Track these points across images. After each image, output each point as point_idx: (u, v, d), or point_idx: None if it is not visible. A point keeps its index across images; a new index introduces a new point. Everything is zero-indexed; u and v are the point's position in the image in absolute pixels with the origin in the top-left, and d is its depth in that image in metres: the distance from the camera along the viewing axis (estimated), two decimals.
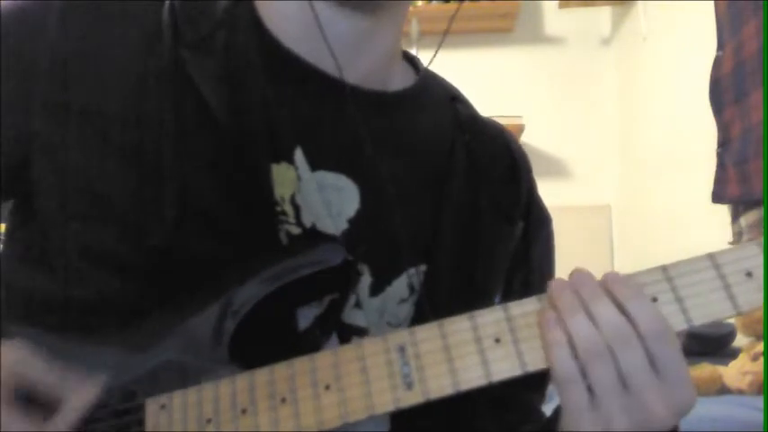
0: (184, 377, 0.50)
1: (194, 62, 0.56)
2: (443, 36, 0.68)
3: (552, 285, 0.46)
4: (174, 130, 0.54)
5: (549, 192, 2.89)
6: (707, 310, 0.45)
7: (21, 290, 0.56)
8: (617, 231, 2.94)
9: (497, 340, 0.46)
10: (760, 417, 1.21)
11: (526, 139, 2.99)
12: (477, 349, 0.46)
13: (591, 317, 0.44)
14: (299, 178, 0.57)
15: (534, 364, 0.46)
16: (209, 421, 0.47)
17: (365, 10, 0.59)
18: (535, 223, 0.71)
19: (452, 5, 2.90)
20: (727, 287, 0.45)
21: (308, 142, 0.58)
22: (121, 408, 0.49)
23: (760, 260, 0.45)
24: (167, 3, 0.58)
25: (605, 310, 0.44)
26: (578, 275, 0.46)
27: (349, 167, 0.59)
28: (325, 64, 0.60)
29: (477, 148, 0.67)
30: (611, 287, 0.45)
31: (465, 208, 0.64)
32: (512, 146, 0.72)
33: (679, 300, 0.45)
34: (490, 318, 0.47)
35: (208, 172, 0.55)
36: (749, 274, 0.45)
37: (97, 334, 0.52)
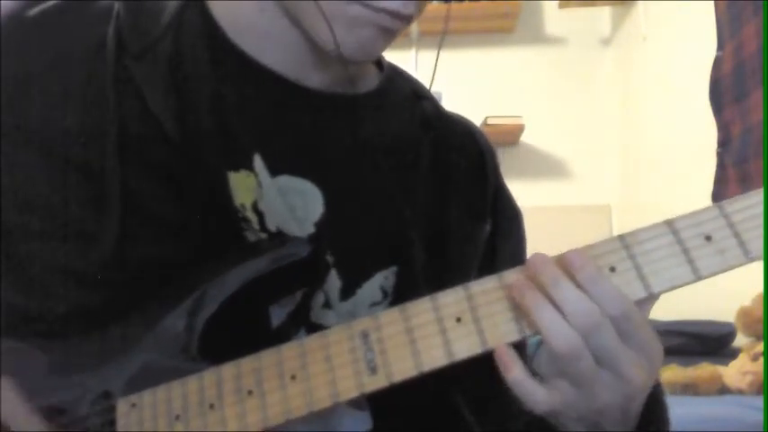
0: (159, 376, 0.50)
1: (140, 72, 0.55)
2: (442, 37, 0.67)
3: (513, 286, 0.45)
4: (118, 143, 0.54)
5: (549, 192, 2.87)
6: (666, 276, 0.44)
7: (4, 302, 0.56)
8: (617, 231, 2.92)
9: (458, 319, 0.46)
10: (760, 417, 1.21)
11: (526, 139, 3.00)
12: (439, 330, 0.46)
13: (557, 305, 0.44)
14: (259, 185, 0.56)
15: (495, 340, 0.45)
16: (177, 418, 0.48)
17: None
18: (504, 219, 0.70)
19: (452, 5, 2.89)
20: (685, 252, 0.44)
21: (268, 147, 0.57)
22: (95, 410, 0.50)
23: (719, 223, 0.44)
24: (114, 12, 0.58)
25: (571, 296, 0.44)
26: (535, 261, 0.45)
27: (311, 171, 0.59)
28: (285, 67, 0.59)
29: (443, 145, 0.67)
30: (571, 270, 0.44)
31: (432, 207, 0.63)
32: (479, 142, 0.71)
33: (637, 267, 0.45)
34: (451, 298, 0.47)
35: (159, 182, 0.55)
36: (708, 238, 0.44)
37: (75, 342, 0.53)
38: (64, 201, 0.54)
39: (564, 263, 0.45)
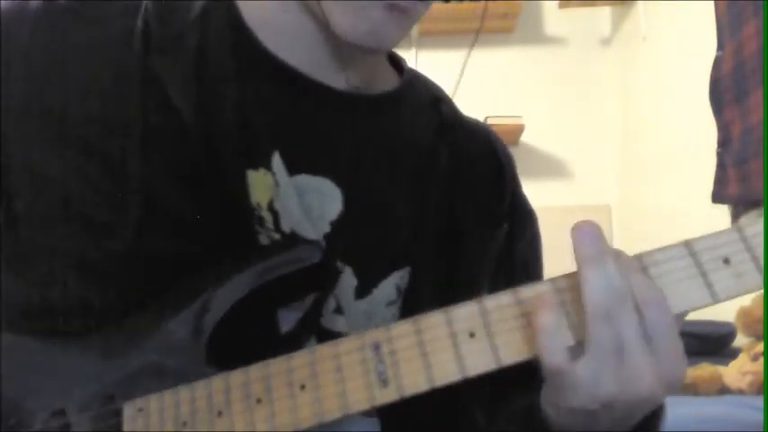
0: (164, 380, 0.49)
1: (163, 65, 0.56)
2: (475, 35, 0.67)
3: (576, 228, 0.44)
4: (140, 134, 0.54)
5: (549, 192, 2.87)
6: (683, 298, 0.44)
7: (5, 294, 0.56)
8: (617, 231, 2.94)
9: (472, 335, 0.45)
10: (760, 417, 1.21)
11: (526, 139, 3.00)
12: (452, 344, 0.45)
13: (604, 271, 0.43)
14: (276, 184, 0.56)
15: (510, 357, 0.45)
16: (185, 424, 0.48)
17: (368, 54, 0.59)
18: (518, 223, 0.70)
19: (452, 5, 2.89)
20: (703, 275, 0.44)
21: (287, 146, 0.57)
22: (100, 412, 0.50)
23: (737, 246, 0.44)
24: (142, 5, 0.58)
25: (614, 271, 0.43)
26: (595, 227, 0.45)
27: (331, 170, 0.59)
28: (307, 66, 0.59)
29: (460, 149, 0.67)
30: (615, 256, 0.44)
31: (447, 210, 0.64)
32: (497, 147, 0.71)
33: None
34: (465, 312, 0.46)
35: (178, 177, 0.54)
36: (726, 261, 0.44)
37: (78, 338, 0.53)
38: (79, 189, 0.54)
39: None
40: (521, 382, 0.58)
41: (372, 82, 0.64)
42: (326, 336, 0.56)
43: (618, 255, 0.44)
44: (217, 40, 0.58)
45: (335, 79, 0.60)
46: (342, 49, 0.58)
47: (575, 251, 0.44)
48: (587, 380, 0.43)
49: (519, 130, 2.88)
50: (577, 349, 0.44)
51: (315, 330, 0.57)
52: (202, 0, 0.60)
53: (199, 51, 0.57)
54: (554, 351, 0.43)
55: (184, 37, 0.57)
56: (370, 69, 0.64)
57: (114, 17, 0.58)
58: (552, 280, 0.46)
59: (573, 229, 0.44)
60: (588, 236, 0.44)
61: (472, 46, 0.63)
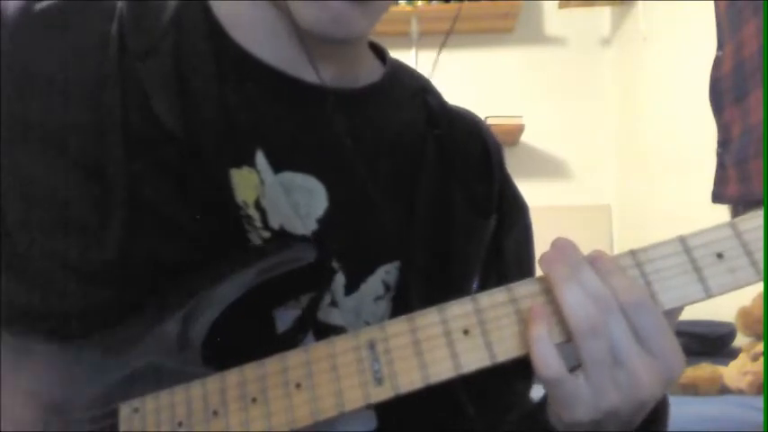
0: (161, 380, 0.50)
1: (143, 71, 0.56)
2: (445, 37, 0.67)
3: (542, 258, 0.45)
4: (122, 138, 0.54)
5: (548, 192, 2.87)
6: (676, 293, 0.44)
7: (5, 297, 0.56)
8: (617, 231, 2.94)
9: (466, 332, 0.46)
10: (760, 417, 1.21)
11: (526, 139, 3.00)
12: (446, 342, 0.45)
13: (581, 286, 0.44)
14: (261, 182, 0.56)
15: (504, 354, 0.45)
16: (180, 424, 0.48)
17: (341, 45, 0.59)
18: (509, 214, 0.69)
19: (452, 5, 2.90)
20: (697, 270, 0.44)
21: (270, 144, 0.57)
22: (96, 413, 0.50)
23: (732, 242, 0.44)
24: (117, 10, 0.58)
25: (592, 281, 0.44)
26: (564, 244, 0.45)
27: (315, 167, 0.58)
28: (284, 63, 0.59)
29: (448, 140, 0.66)
30: (592, 261, 0.45)
31: (437, 202, 0.63)
32: (485, 136, 0.71)
33: (648, 284, 0.45)
34: (459, 310, 0.46)
35: (163, 180, 0.55)
36: (720, 256, 0.44)
37: (75, 341, 0.53)
38: (67, 196, 0.54)
39: (589, 255, 0.45)
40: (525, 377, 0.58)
41: (355, 75, 0.64)
42: (323, 329, 0.57)
43: (595, 259, 0.45)
44: (193, 41, 0.58)
45: (313, 74, 0.60)
46: (315, 43, 0.58)
47: (548, 277, 0.45)
48: (588, 394, 0.44)
49: (519, 130, 2.89)
50: (567, 347, 0.44)
51: (311, 327, 0.57)
52: (175, 0, 0.60)
53: (176, 53, 0.57)
54: (549, 362, 0.43)
55: (160, 39, 0.57)
56: (350, 62, 0.63)
57: (89, 23, 0.58)
58: (542, 278, 0.46)
59: (540, 261, 0.45)
60: (557, 259, 0.45)
61: (441, 47, 0.62)
